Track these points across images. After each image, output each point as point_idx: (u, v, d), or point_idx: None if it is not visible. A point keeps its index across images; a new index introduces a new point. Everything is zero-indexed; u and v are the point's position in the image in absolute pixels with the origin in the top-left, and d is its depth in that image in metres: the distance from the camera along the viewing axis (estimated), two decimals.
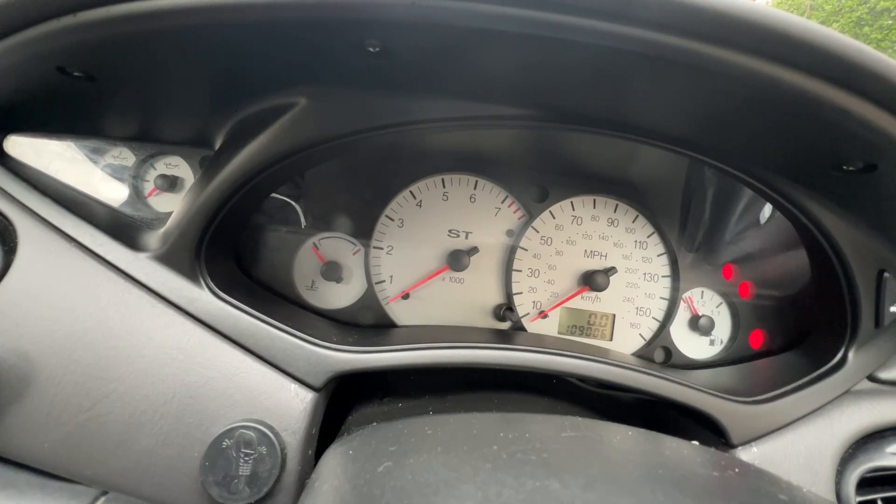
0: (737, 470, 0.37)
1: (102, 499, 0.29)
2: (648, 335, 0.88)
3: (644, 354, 0.88)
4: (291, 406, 0.53)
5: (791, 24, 0.40)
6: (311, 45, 0.47)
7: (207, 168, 0.62)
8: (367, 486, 0.33)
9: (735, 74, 0.43)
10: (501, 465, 0.32)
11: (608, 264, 0.88)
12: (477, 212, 0.87)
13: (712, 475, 0.35)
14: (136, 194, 0.85)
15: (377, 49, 0.46)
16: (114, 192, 0.84)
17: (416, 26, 0.42)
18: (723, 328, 0.89)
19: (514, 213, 0.88)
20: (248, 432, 0.50)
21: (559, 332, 0.88)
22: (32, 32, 0.45)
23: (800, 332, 0.81)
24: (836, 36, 0.40)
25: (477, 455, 0.34)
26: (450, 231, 0.87)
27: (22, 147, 0.67)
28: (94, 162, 0.82)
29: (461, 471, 0.32)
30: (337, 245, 0.85)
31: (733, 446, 0.62)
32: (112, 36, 0.45)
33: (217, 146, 0.69)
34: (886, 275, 0.65)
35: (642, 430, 0.45)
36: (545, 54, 0.46)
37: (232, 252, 0.74)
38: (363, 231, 0.85)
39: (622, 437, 0.42)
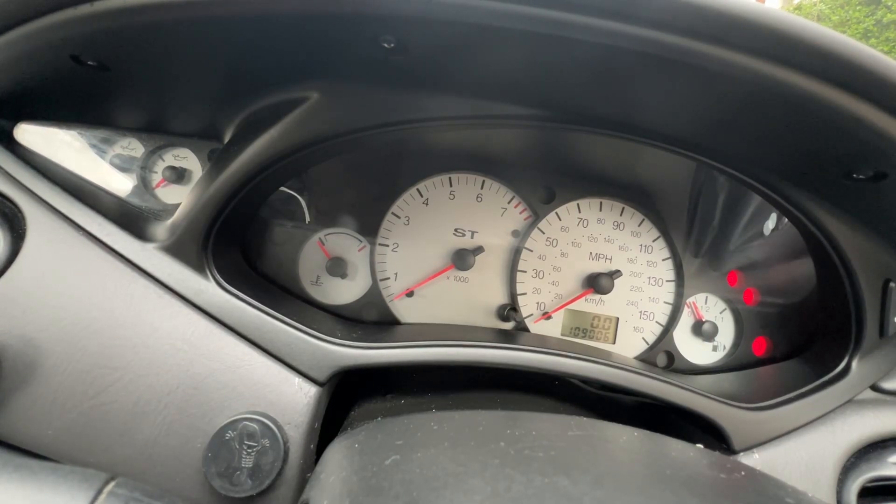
0: (743, 473, 0.37)
1: (112, 483, 0.29)
2: (651, 339, 0.88)
3: (647, 358, 0.88)
4: (295, 400, 0.54)
5: (803, 27, 0.40)
6: (326, 40, 0.47)
7: (217, 161, 0.62)
8: (376, 479, 0.33)
9: (743, 77, 0.43)
10: (509, 460, 0.32)
11: (613, 267, 0.88)
12: (483, 211, 0.87)
13: (719, 477, 0.35)
14: (144, 185, 0.85)
15: (392, 45, 0.46)
16: (122, 183, 0.84)
17: (431, 22, 0.42)
18: (726, 334, 0.89)
19: (521, 213, 0.88)
20: (251, 424, 0.50)
21: (562, 334, 0.88)
22: (48, 20, 0.45)
23: (803, 341, 0.81)
24: (848, 41, 0.41)
25: (485, 451, 0.34)
26: (455, 230, 0.87)
27: (32, 135, 0.67)
28: (103, 152, 0.82)
29: (469, 466, 0.32)
30: (342, 241, 0.85)
31: (735, 452, 0.62)
32: (127, 26, 0.45)
33: (226, 139, 0.69)
34: (892, 284, 0.65)
35: (648, 432, 0.45)
36: (553, 53, 0.46)
37: (239, 245, 0.74)
38: (369, 228, 0.85)
39: (628, 438, 0.42)
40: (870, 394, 0.68)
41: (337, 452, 0.43)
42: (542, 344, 0.66)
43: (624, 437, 0.42)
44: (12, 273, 0.51)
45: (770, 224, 0.87)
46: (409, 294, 0.86)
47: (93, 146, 0.81)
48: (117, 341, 0.51)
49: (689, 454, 0.40)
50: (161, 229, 0.60)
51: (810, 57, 0.41)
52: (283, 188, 0.83)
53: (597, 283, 0.85)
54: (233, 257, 0.70)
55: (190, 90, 0.63)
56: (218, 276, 0.58)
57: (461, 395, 0.65)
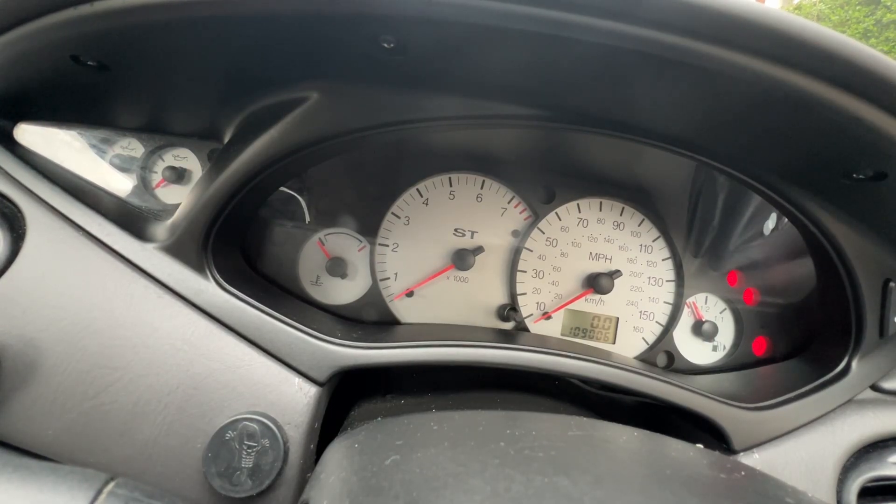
0: (743, 473, 0.37)
1: (112, 483, 0.29)
2: (651, 339, 0.88)
3: (646, 358, 0.88)
4: (295, 400, 0.53)
5: (803, 27, 0.40)
6: (326, 40, 0.47)
7: (217, 161, 0.62)
8: (376, 479, 0.33)
9: (743, 77, 0.43)
10: (509, 460, 0.32)
11: (613, 267, 0.88)
12: (483, 211, 0.87)
13: (719, 477, 0.35)
14: (144, 185, 0.85)
15: (392, 45, 0.46)
16: (122, 183, 0.84)
17: (431, 23, 0.42)
18: (726, 334, 0.89)
19: (521, 213, 0.88)
20: (251, 424, 0.50)
21: (562, 334, 0.88)
22: (48, 20, 0.45)
23: (803, 340, 0.81)
24: (848, 41, 0.41)
25: (484, 451, 0.34)
26: (455, 230, 0.87)
27: (31, 135, 0.67)
28: (103, 152, 0.82)
29: (469, 465, 0.32)
30: (342, 241, 0.85)
31: (735, 452, 0.62)
32: (127, 26, 0.45)
33: (226, 139, 0.69)
34: (892, 284, 0.65)
35: (648, 432, 0.45)
36: (554, 53, 0.46)
37: (239, 245, 0.74)
38: (369, 228, 0.85)
39: (628, 438, 0.42)
40: (870, 394, 0.68)
41: (337, 452, 0.43)
42: (542, 344, 0.66)
43: (624, 437, 0.42)
44: (12, 273, 0.51)
45: (770, 224, 0.87)
46: (409, 294, 0.86)
47: (93, 146, 0.81)
48: (117, 341, 0.51)
49: (688, 454, 0.40)
50: (161, 229, 0.60)
51: (810, 57, 0.41)
52: (283, 188, 0.83)
53: (597, 283, 0.85)
54: (233, 257, 0.70)
55: (190, 90, 0.63)
56: (218, 276, 0.58)
57: (461, 395, 0.65)
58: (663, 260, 0.89)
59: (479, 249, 0.86)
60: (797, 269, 0.83)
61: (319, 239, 0.85)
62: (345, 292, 0.85)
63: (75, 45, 0.49)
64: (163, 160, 0.85)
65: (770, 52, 0.41)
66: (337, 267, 0.83)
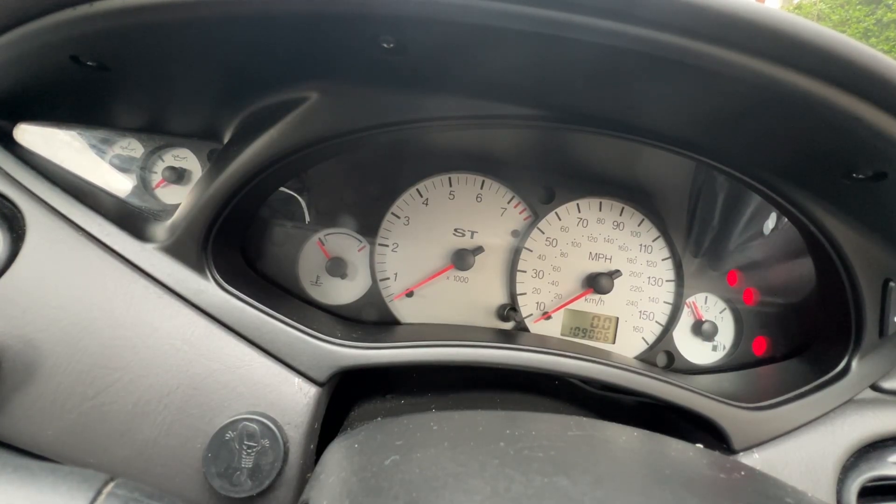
0: (743, 473, 0.37)
1: (111, 484, 0.29)
2: (651, 339, 0.88)
3: (646, 358, 0.88)
4: (295, 400, 0.54)
5: (802, 27, 0.40)
6: (326, 40, 0.47)
7: (216, 161, 0.62)
8: (375, 479, 0.33)
9: (742, 77, 0.43)
10: (509, 461, 0.33)
11: (612, 267, 0.88)
12: (483, 211, 0.87)
13: (719, 477, 0.35)
14: (144, 185, 0.85)
15: (391, 45, 0.46)
16: (121, 183, 0.84)
17: (431, 23, 0.42)
18: (726, 334, 0.89)
19: (520, 213, 0.88)
20: (251, 425, 0.50)
21: (562, 334, 0.88)
22: (48, 21, 0.45)
23: (803, 340, 0.81)
24: (848, 41, 0.40)
25: (484, 451, 0.34)
26: (455, 230, 0.87)
27: (31, 135, 0.67)
28: (103, 152, 0.82)
29: (469, 466, 0.32)
30: (342, 241, 0.85)
31: (735, 452, 0.62)
32: (127, 26, 0.45)
33: (226, 139, 0.69)
34: (892, 284, 0.65)
35: (648, 432, 0.45)
36: (553, 53, 0.46)
37: (238, 245, 0.74)
38: (369, 228, 0.85)
39: (628, 438, 0.42)
40: (870, 393, 0.68)
41: (337, 453, 0.43)
42: (542, 344, 0.66)
43: (623, 437, 0.42)
44: (12, 273, 0.51)
45: (770, 224, 0.87)
46: (409, 294, 0.86)
47: (92, 146, 0.81)
48: (117, 341, 0.51)
49: (688, 454, 0.41)
50: (161, 230, 0.60)
51: (810, 57, 0.41)
52: (283, 188, 0.83)
53: (596, 283, 0.85)
54: (233, 257, 0.70)
55: (190, 90, 0.63)
56: (218, 277, 0.58)
57: (461, 395, 0.65)
58: (663, 260, 0.89)
59: (478, 249, 0.86)
60: (797, 269, 0.83)
61: (319, 239, 0.85)
62: (345, 292, 0.85)
63: (75, 46, 0.49)
64: (162, 160, 0.86)
65: (770, 52, 0.41)
66: (337, 267, 0.83)
